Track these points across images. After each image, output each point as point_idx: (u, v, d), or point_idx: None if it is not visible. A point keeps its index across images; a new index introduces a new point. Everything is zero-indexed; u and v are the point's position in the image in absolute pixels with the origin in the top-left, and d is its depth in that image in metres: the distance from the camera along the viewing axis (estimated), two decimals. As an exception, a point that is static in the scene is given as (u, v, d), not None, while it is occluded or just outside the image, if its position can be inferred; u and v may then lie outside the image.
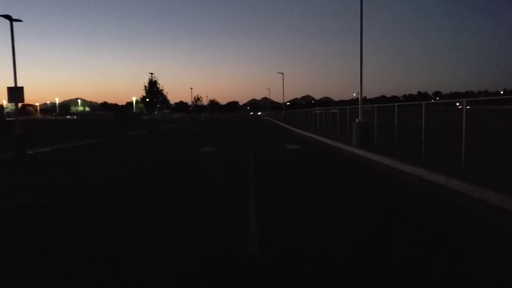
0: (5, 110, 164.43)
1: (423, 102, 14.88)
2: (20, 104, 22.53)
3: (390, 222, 6.94)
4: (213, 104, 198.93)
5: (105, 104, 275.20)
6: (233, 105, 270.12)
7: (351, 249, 5.60)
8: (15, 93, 21.15)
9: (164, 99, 69.73)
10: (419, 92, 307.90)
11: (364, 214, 7.50)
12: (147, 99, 66.62)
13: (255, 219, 7.16)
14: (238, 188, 10.23)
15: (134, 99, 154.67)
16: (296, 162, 15.76)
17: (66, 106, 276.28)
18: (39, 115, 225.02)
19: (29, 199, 9.34)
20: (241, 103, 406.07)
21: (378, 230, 6.47)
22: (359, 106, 19.68)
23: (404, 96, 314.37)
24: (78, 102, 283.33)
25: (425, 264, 5.01)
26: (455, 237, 6.13)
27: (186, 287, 4.53)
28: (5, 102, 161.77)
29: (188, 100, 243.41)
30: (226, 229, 6.68)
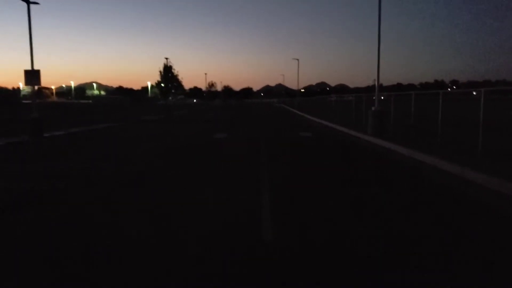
0: (22, 93, 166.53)
1: (440, 91, 14.64)
2: (36, 87, 22.71)
3: (404, 212, 6.87)
4: (227, 90, 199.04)
5: (120, 89, 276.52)
6: (247, 91, 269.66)
7: (363, 239, 5.57)
8: (32, 76, 21.36)
9: (179, 85, 70.04)
10: (436, 81, 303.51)
11: (378, 204, 7.43)
12: (162, 84, 66.88)
13: (269, 208, 7.16)
14: (251, 175, 10.23)
15: (149, 84, 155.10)
16: (309, 150, 15.70)
17: (81, 89, 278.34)
18: (55, 98, 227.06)
19: (45, 183, 9.43)
20: (255, 89, 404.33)
21: (392, 220, 6.41)
22: (375, 94, 19.46)
23: (421, 84, 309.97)
24: (93, 85, 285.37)
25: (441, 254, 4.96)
26: (468, 227, 6.05)
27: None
28: (21, 85, 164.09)
29: (202, 85, 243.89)
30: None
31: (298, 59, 72.61)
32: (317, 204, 7.39)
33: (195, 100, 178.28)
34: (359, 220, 6.40)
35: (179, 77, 68.82)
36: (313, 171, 10.92)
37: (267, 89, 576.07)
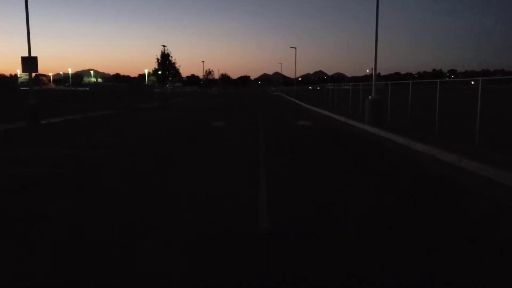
0: (19, 80, 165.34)
1: (438, 80, 14.66)
2: (33, 74, 22.61)
3: (397, 201, 6.95)
4: (225, 78, 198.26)
5: (117, 76, 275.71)
6: (244, 79, 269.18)
7: (353, 226, 5.66)
8: (29, 63, 21.25)
9: (176, 72, 69.64)
10: (434, 70, 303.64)
11: (371, 192, 7.51)
12: (159, 72, 66.54)
13: (265, 199, 7.24)
14: (248, 162, 10.31)
15: (146, 72, 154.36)
16: (306, 138, 15.75)
17: (79, 77, 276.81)
18: (52, 85, 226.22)
19: (42, 169, 9.46)
20: (252, 77, 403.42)
21: (384, 209, 6.49)
22: (373, 83, 19.45)
23: (419, 73, 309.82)
24: (91, 73, 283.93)
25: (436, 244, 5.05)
26: (464, 216, 6.14)
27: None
28: (19, 72, 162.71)
29: (200, 73, 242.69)
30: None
31: (295, 48, 72.18)
32: (310, 185, 7.49)
33: (192, 88, 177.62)
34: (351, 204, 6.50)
35: (177, 65, 68.49)
36: (311, 159, 10.99)
37: (264, 78, 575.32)
